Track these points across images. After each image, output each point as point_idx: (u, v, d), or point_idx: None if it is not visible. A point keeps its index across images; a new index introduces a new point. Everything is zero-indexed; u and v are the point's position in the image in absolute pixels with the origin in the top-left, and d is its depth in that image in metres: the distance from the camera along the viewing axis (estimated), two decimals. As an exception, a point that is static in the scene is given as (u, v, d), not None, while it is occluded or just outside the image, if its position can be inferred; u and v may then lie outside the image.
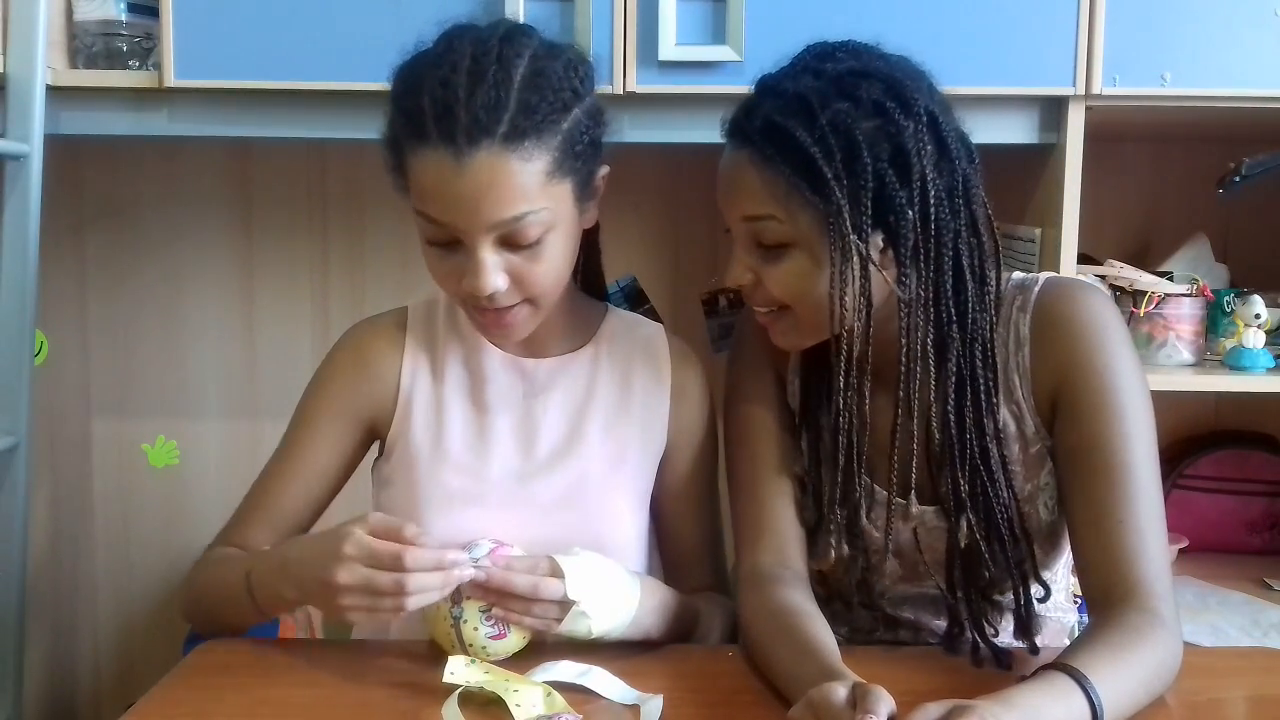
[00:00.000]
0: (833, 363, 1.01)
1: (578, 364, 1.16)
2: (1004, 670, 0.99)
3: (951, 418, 0.99)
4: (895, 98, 0.95)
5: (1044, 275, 1.06)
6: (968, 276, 0.98)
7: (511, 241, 0.99)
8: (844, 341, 0.99)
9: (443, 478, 1.10)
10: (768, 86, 1.00)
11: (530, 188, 0.96)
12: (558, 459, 1.12)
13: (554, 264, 1.02)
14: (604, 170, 1.07)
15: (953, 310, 0.98)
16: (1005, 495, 1.00)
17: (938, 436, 1.01)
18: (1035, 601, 1.02)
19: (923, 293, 0.97)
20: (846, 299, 0.96)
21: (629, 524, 1.12)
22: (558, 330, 1.15)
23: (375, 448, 1.21)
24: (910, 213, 0.95)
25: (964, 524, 1.00)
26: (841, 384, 1.00)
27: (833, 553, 1.04)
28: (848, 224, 0.94)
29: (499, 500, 1.09)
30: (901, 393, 0.99)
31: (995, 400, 1.00)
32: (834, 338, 1.00)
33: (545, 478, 1.11)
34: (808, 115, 0.94)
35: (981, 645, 1.01)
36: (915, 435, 1.02)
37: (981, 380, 0.99)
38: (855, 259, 0.95)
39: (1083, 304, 1.01)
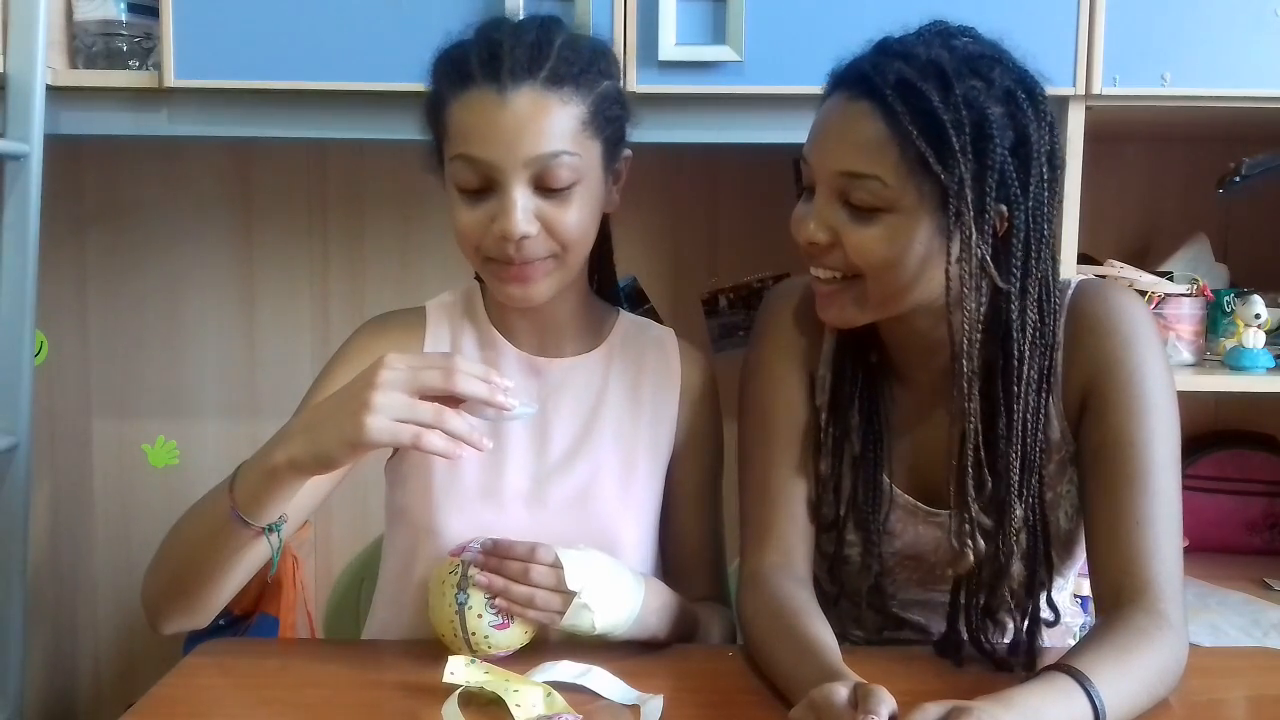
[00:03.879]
0: (953, 362, 0.96)
1: (590, 365, 1.16)
2: (1001, 671, 0.98)
3: (1030, 422, 0.96)
4: (1025, 90, 0.95)
5: (1076, 278, 1.05)
6: (1051, 280, 0.97)
7: (544, 183, 1.00)
8: (959, 336, 0.95)
9: (459, 476, 1.09)
10: (894, 49, 0.96)
11: (567, 130, 1.01)
12: (570, 459, 1.12)
13: (582, 217, 1.03)
14: (627, 153, 1.11)
15: (1039, 313, 0.96)
16: (1037, 509, 0.99)
17: (998, 444, 0.97)
18: (1043, 625, 1.00)
19: (1026, 286, 0.95)
20: (964, 276, 0.93)
21: (638, 525, 1.12)
22: (571, 330, 1.15)
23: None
24: (1023, 206, 0.94)
25: (1010, 528, 0.97)
26: (965, 388, 0.95)
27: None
28: (970, 201, 0.91)
29: (513, 499, 1.09)
30: (1002, 394, 0.96)
31: (1048, 416, 0.98)
32: (950, 341, 0.96)
33: (558, 478, 1.11)
34: (943, 82, 0.92)
35: (978, 652, 1.00)
36: (954, 440, 0.99)
37: (1047, 387, 0.97)
38: (974, 238, 0.92)
39: (1117, 305, 1.01)
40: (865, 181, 0.93)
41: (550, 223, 1.01)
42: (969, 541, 0.97)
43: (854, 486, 1.05)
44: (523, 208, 1.00)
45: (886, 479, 1.06)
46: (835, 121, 0.96)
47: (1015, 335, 0.95)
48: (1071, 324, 1.01)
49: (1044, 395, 0.98)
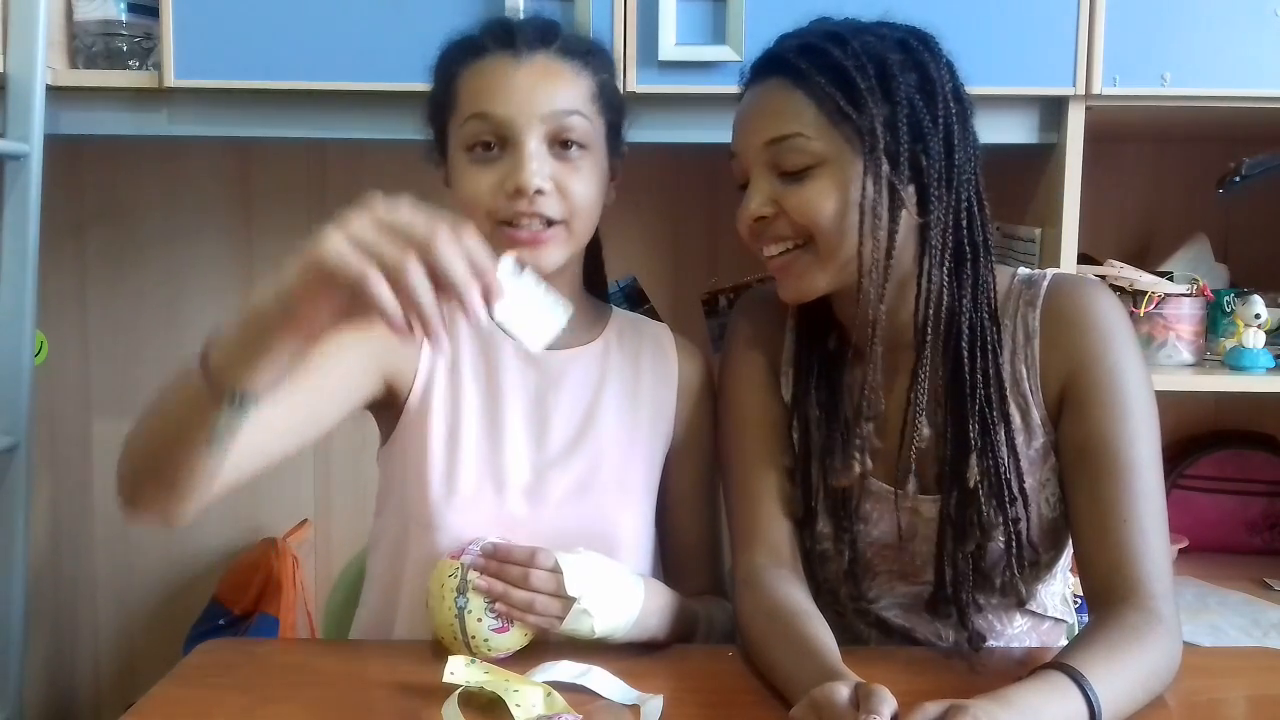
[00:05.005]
0: (859, 323, 1.00)
1: (588, 358, 1.16)
2: (973, 651, 1.01)
3: (965, 356, 1.00)
4: (917, 38, 1.01)
5: (1051, 271, 1.07)
6: (976, 213, 1.00)
7: (558, 138, 1.03)
8: (867, 262, 0.98)
9: (458, 467, 1.08)
10: (790, 35, 1.03)
11: (579, 94, 1.06)
12: (569, 452, 1.12)
13: (591, 188, 1.06)
14: (624, 150, 1.15)
15: (966, 246, 1.00)
16: (1006, 454, 1.00)
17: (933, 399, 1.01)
18: (1026, 564, 1.02)
19: (945, 218, 0.99)
20: (880, 216, 0.97)
21: (638, 518, 1.12)
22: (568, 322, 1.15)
23: (379, 436, 1.17)
24: (935, 139, 0.98)
25: (973, 463, 0.99)
26: (870, 314, 0.99)
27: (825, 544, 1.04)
28: (881, 140, 0.96)
29: (513, 491, 1.09)
30: (918, 318, 1.00)
31: (1000, 352, 1.01)
32: (857, 300, 1.00)
33: (558, 470, 1.10)
34: (840, 40, 0.99)
35: (960, 611, 1.02)
36: (917, 419, 1.01)
37: (990, 329, 1.00)
38: (885, 169, 0.97)
39: (1092, 301, 1.02)
40: (790, 141, 0.98)
41: (562, 185, 1.03)
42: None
43: (822, 474, 1.06)
44: (539, 160, 1.02)
45: (855, 462, 1.07)
46: (747, 105, 1.04)
47: (931, 257, 0.99)
48: (1047, 316, 1.03)
49: (998, 335, 1.01)
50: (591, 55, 1.09)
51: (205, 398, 0.80)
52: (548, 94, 1.02)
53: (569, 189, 1.03)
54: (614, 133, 1.11)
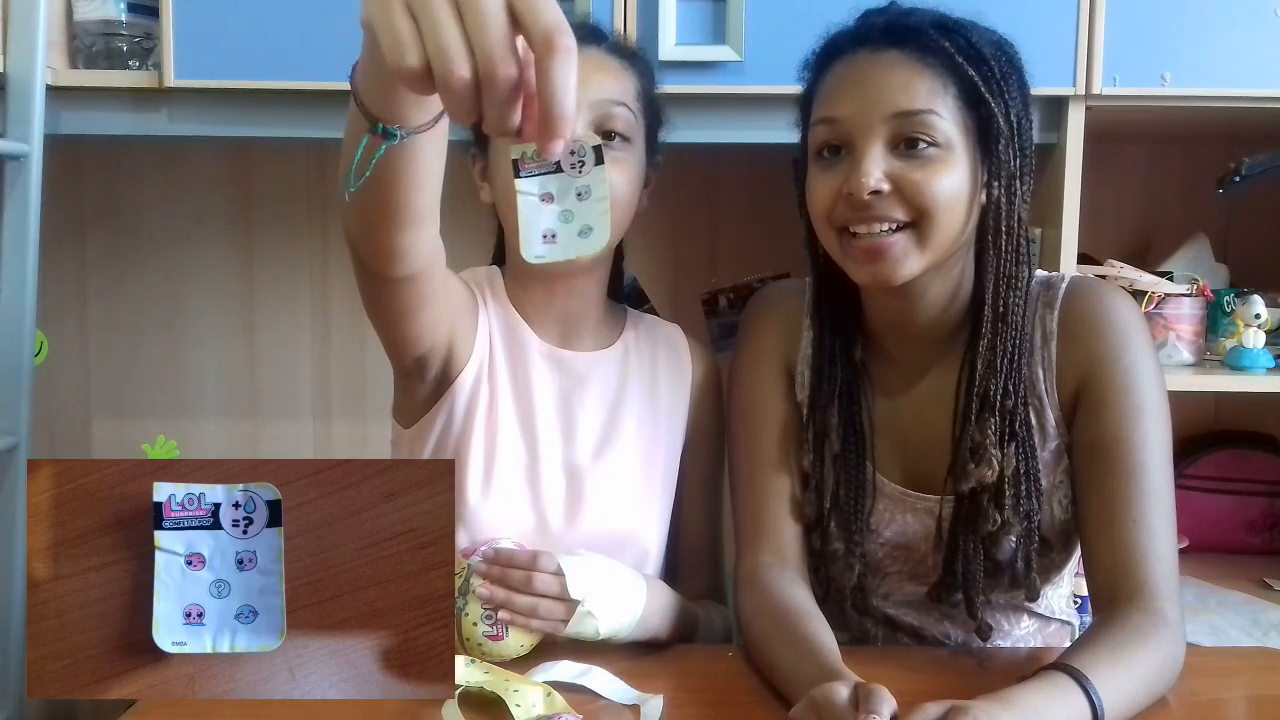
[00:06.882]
0: (973, 308, 1.01)
1: (610, 360, 1.16)
2: (981, 641, 1.02)
3: (1009, 350, 1.00)
4: (1008, 42, 1.01)
5: (1069, 274, 1.07)
6: (1027, 214, 1.01)
7: (601, 130, 1.05)
8: (990, 273, 0.99)
9: (495, 464, 1.08)
10: (895, 10, 1.01)
11: (625, 87, 1.09)
12: (598, 453, 1.12)
13: (626, 183, 1.07)
14: (659, 160, 1.16)
15: (1023, 242, 1.00)
16: (1027, 444, 1.01)
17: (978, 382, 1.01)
18: (1035, 555, 1.02)
19: (1017, 212, 0.99)
20: (1004, 206, 0.98)
21: (661, 522, 1.13)
22: (590, 324, 1.15)
23: (392, 427, 1.16)
24: (1028, 138, 0.99)
25: (1011, 452, 0.99)
26: (989, 331, 0.99)
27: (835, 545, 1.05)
28: (1016, 130, 0.97)
29: (550, 497, 1.09)
30: (989, 309, 1.00)
31: (1022, 355, 1.01)
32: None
33: (588, 476, 1.11)
34: (963, 25, 0.98)
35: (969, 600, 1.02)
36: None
37: (1018, 332, 1.01)
38: (1017, 166, 0.97)
39: (1111, 304, 1.02)
40: (921, 117, 0.95)
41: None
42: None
43: (836, 484, 1.06)
44: (580, 124, 1.03)
45: (871, 467, 1.07)
46: (871, 72, 0.97)
47: (1000, 251, 0.99)
48: (1066, 318, 1.03)
49: (1022, 339, 1.01)
50: (637, 58, 1.13)
51: (360, 121, 0.78)
52: (597, 83, 1.05)
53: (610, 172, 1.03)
54: (653, 136, 1.14)
